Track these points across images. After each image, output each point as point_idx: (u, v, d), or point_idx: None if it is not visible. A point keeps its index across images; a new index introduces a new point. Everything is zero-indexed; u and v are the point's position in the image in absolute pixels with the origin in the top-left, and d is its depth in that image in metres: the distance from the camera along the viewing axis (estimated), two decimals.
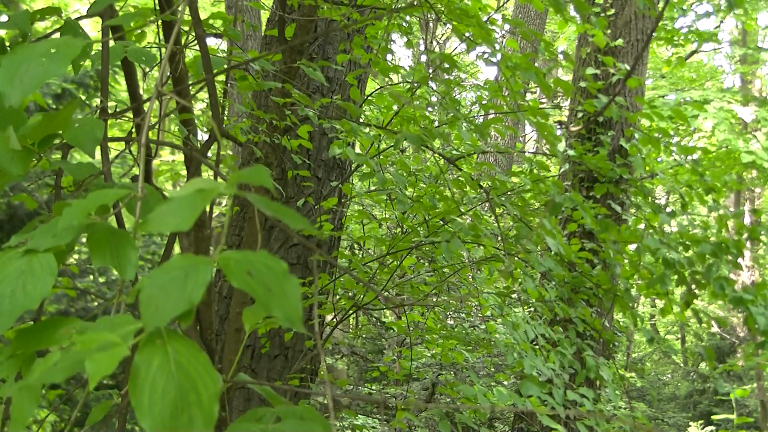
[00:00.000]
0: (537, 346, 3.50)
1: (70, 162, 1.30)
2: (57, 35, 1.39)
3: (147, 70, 2.19)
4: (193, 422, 0.74)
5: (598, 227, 3.09)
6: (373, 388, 8.42)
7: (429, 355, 6.95)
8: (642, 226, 3.31)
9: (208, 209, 2.36)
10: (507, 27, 10.97)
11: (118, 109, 1.77)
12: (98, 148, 1.28)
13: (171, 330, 0.79)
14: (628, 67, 5.94)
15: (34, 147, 1.14)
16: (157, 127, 1.90)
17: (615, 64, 5.70)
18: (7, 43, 1.41)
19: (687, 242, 3.06)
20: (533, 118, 2.88)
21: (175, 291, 0.76)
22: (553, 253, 3.02)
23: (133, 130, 1.89)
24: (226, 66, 2.09)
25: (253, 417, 0.95)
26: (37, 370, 0.80)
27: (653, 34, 6.12)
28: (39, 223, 1.13)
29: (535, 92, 13.18)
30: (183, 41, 2.07)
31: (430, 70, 3.29)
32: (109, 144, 1.67)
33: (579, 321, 3.59)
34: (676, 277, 3.04)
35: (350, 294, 3.87)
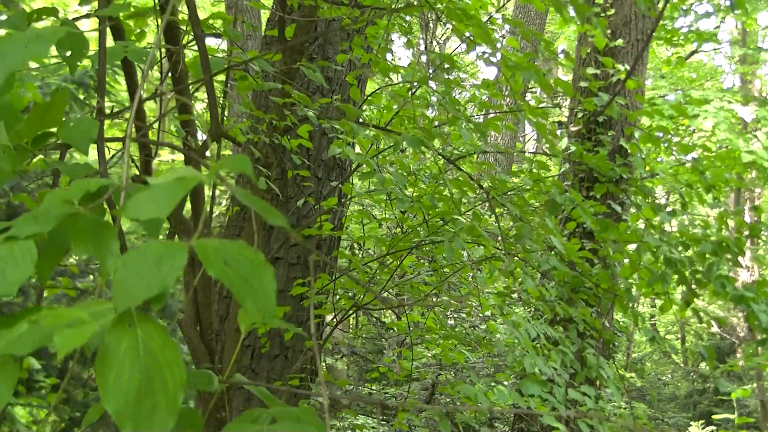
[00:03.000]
0: (538, 345, 3.50)
1: (67, 162, 1.29)
2: None
3: (149, 71, 2.19)
4: (157, 409, 0.74)
5: (598, 227, 3.09)
6: (373, 388, 8.42)
7: (429, 355, 6.94)
8: (642, 225, 3.31)
9: (208, 209, 2.36)
10: (507, 27, 10.97)
11: (117, 110, 1.77)
12: (95, 147, 1.28)
13: (142, 314, 0.78)
14: (628, 68, 5.94)
15: (27, 145, 1.14)
16: (156, 126, 1.89)
17: (614, 65, 5.70)
18: None
19: (687, 242, 3.05)
20: (533, 117, 2.88)
21: (148, 274, 0.75)
22: (555, 251, 3.02)
23: (132, 129, 1.89)
24: (225, 66, 2.09)
25: (249, 418, 0.95)
26: (2, 340, 0.79)
27: (653, 34, 6.12)
28: None
29: (536, 92, 13.18)
30: (183, 41, 2.07)
31: (430, 71, 3.29)
32: (109, 144, 1.67)
33: (580, 320, 3.59)
34: (676, 276, 3.03)
35: (350, 294, 3.87)
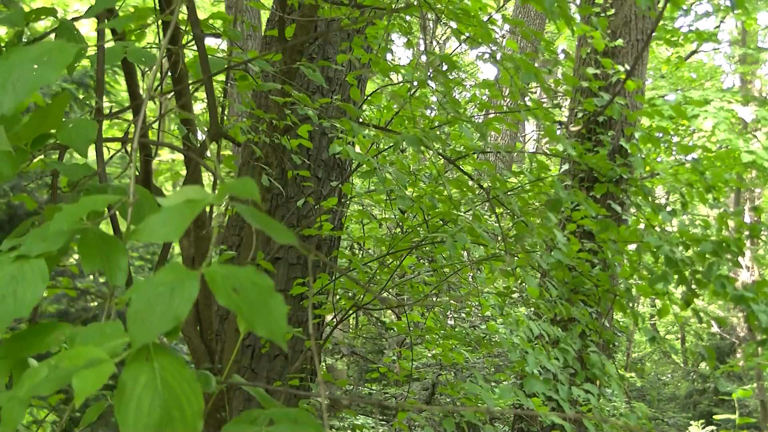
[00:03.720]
0: (538, 345, 3.49)
1: (66, 163, 1.29)
2: (52, 36, 1.38)
3: (146, 70, 2.19)
4: None
5: (598, 227, 3.09)
6: (374, 388, 8.42)
7: (429, 355, 6.94)
8: (642, 226, 3.30)
9: (208, 209, 2.35)
10: (507, 27, 10.98)
11: (118, 110, 1.77)
12: (93, 148, 1.28)
13: (158, 345, 0.80)
14: (628, 68, 5.94)
15: (27, 147, 1.14)
16: (156, 126, 1.89)
17: (614, 66, 5.71)
18: (3, 44, 1.41)
19: (687, 242, 3.05)
20: (538, 113, 2.88)
21: (161, 307, 0.76)
22: (560, 246, 3.02)
23: (131, 129, 1.89)
24: (225, 66, 2.09)
25: (247, 419, 0.95)
26: (26, 383, 0.80)
27: (653, 34, 6.11)
28: (31, 226, 1.13)
29: (536, 92, 13.17)
30: (183, 41, 2.07)
31: (430, 71, 3.29)
32: (109, 144, 1.67)
33: (582, 319, 3.59)
34: (676, 276, 3.03)
35: (350, 294, 3.87)
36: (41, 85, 0.99)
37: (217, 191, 0.81)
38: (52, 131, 1.17)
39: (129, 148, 1.96)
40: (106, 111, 1.60)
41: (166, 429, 0.75)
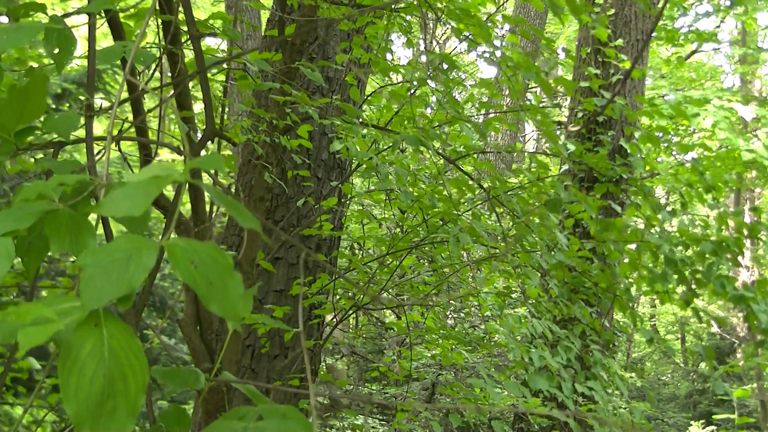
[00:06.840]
0: (539, 344, 3.49)
1: (60, 161, 1.30)
2: None
3: (145, 70, 2.19)
4: (116, 412, 0.73)
5: (598, 226, 3.09)
6: (373, 388, 8.42)
7: (429, 355, 6.94)
8: (642, 226, 3.30)
9: (208, 208, 2.35)
10: (507, 27, 10.97)
11: (108, 106, 1.77)
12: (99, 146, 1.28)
13: (109, 312, 0.78)
14: (629, 65, 5.94)
15: (11, 137, 1.14)
16: (152, 124, 1.89)
17: (617, 55, 5.70)
18: None
19: (687, 241, 3.05)
20: (534, 115, 2.88)
21: (116, 273, 0.75)
22: (559, 247, 3.02)
23: (124, 127, 1.89)
24: (223, 64, 2.09)
25: (236, 415, 0.94)
26: None
27: (653, 33, 6.12)
28: None
29: (536, 92, 13.17)
30: (183, 40, 2.07)
31: (430, 71, 3.28)
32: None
33: (584, 318, 3.58)
34: (676, 276, 3.03)
35: (350, 294, 3.87)
36: (10, 47, 1.03)
37: (183, 168, 0.81)
38: (38, 123, 1.17)
39: (122, 146, 1.96)
40: (99, 107, 1.60)
41: (108, 401, 0.73)
